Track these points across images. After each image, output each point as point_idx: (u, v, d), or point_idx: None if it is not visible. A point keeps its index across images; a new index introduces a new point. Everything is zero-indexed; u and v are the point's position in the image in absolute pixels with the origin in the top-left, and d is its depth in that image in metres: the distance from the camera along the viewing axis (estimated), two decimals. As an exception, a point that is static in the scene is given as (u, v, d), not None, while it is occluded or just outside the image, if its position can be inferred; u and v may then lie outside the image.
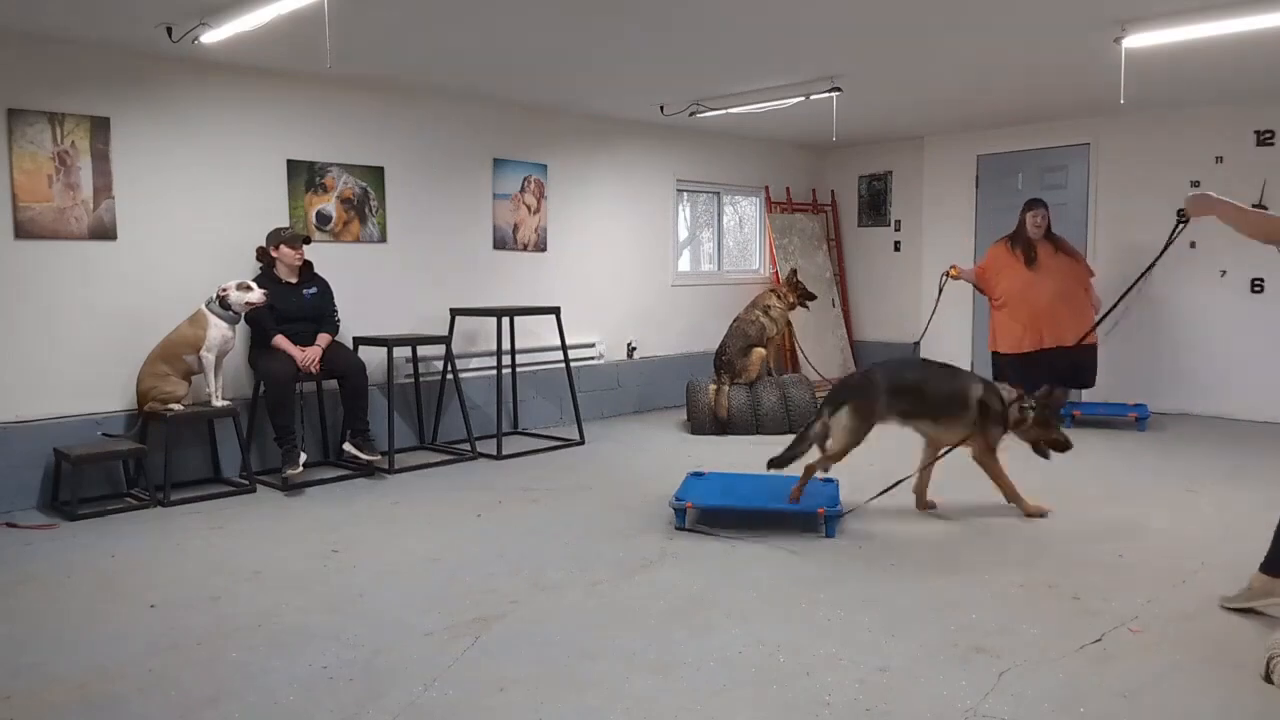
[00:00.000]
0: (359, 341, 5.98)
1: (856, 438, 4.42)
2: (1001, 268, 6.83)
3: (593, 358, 7.57)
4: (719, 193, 8.76)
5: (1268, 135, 6.86)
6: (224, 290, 5.12)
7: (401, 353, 6.25)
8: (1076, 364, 6.73)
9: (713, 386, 6.90)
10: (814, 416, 4.60)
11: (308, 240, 5.57)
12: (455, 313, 6.42)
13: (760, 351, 7.04)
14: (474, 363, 6.80)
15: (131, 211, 5.18)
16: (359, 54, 5.26)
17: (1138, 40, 4.89)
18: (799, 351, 8.53)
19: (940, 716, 2.59)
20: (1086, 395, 7.29)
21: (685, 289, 8.35)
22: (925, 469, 4.64)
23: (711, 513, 4.47)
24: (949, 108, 7.23)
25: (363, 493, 5.24)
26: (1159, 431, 6.73)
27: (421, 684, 2.81)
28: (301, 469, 5.24)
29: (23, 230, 4.84)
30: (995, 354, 7.01)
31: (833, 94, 6.20)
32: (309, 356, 5.37)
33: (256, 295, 5.17)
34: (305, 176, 5.88)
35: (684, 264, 8.60)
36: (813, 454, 4.52)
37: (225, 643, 3.13)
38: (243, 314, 5.20)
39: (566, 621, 3.30)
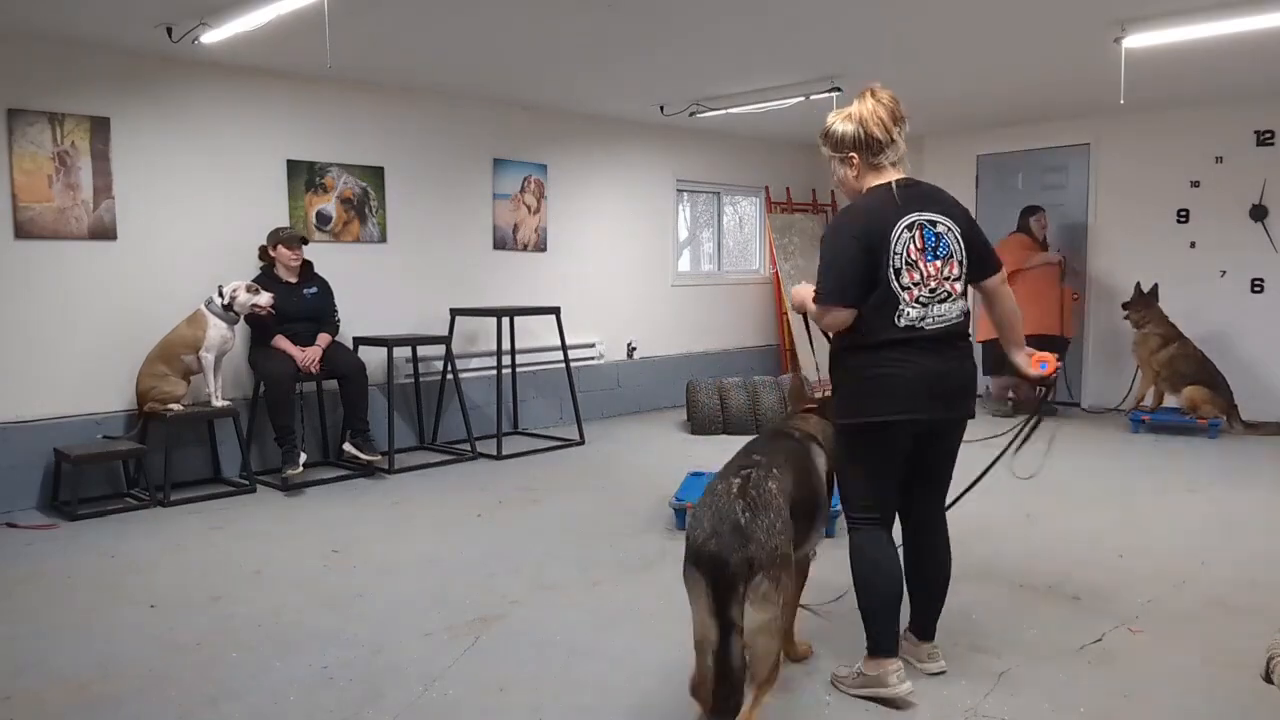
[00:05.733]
0: (359, 341, 5.98)
1: None
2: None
3: (593, 358, 7.57)
4: (719, 193, 8.76)
5: (1268, 135, 6.86)
6: (231, 291, 5.11)
7: (401, 353, 6.25)
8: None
9: None
10: None
11: (304, 241, 5.57)
12: (455, 313, 6.41)
13: None
14: (474, 363, 6.79)
15: (131, 211, 5.18)
16: (359, 54, 5.26)
17: (1138, 40, 4.89)
18: (797, 350, 8.53)
19: (940, 716, 2.59)
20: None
21: (685, 289, 8.35)
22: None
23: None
24: (949, 108, 7.23)
25: (363, 493, 5.24)
26: (1152, 434, 6.73)
27: (421, 684, 2.81)
28: (301, 469, 5.24)
29: (23, 230, 4.84)
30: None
31: (833, 94, 6.19)
32: (309, 357, 5.37)
33: (265, 299, 5.17)
34: (305, 176, 5.88)
35: (684, 264, 8.59)
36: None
37: (225, 643, 3.13)
38: (243, 315, 5.20)
39: (566, 621, 3.30)
